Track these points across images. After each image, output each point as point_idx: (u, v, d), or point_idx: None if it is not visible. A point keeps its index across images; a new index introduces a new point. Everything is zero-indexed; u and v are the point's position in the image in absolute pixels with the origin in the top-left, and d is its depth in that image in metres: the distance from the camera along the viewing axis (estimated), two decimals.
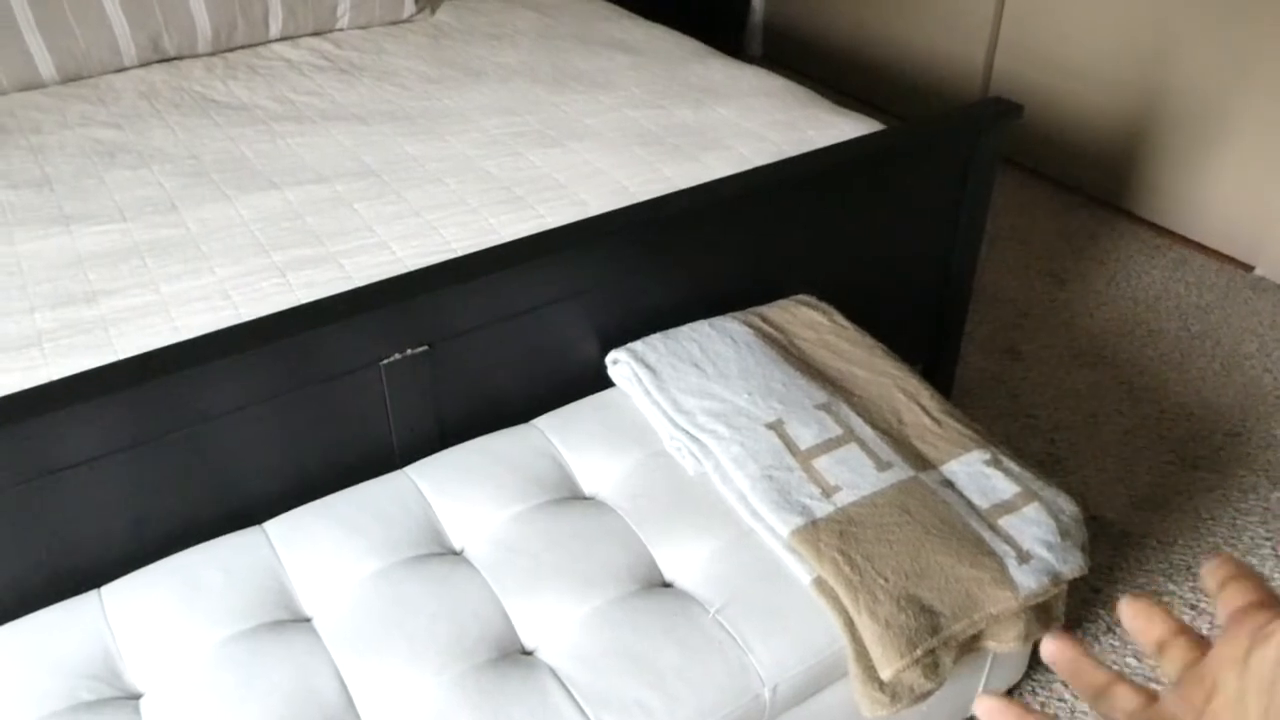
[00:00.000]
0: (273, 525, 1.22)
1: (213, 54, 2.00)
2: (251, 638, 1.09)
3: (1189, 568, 1.71)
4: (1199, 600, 1.65)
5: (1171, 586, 1.68)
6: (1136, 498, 1.85)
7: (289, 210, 1.48)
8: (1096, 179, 2.76)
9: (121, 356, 1.18)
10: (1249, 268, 2.49)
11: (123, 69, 1.92)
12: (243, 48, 2.03)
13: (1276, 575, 1.69)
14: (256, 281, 1.31)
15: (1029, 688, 1.52)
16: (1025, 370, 2.17)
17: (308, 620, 1.13)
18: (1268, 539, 1.76)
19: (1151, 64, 2.54)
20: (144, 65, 1.94)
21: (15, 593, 1.13)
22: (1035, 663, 1.51)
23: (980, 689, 1.35)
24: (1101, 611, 1.63)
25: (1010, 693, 1.50)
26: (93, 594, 1.13)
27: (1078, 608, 1.63)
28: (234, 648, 1.08)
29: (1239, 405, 2.06)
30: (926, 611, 1.13)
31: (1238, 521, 1.79)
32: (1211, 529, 1.78)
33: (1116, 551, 1.74)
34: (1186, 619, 1.62)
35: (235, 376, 1.19)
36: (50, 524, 1.13)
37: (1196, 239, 2.58)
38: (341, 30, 2.13)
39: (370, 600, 1.13)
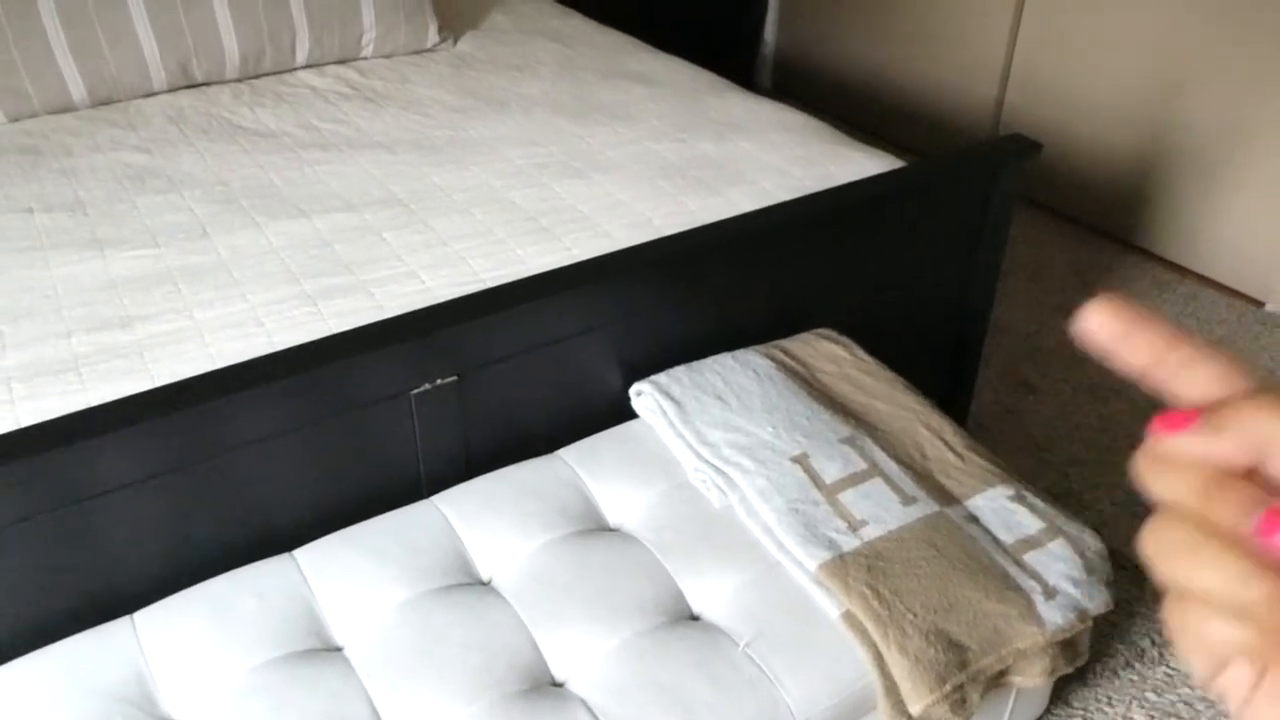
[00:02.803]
0: (303, 553, 1.22)
1: (240, 80, 2.02)
2: (284, 665, 1.10)
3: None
4: None
5: None
6: None
7: (318, 238, 1.49)
8: (1108, 214, 2.79)
9: (157, 382, 1.19)
10: (1260, 303, 2.51)
11: (152, 94, 1.95)
12: (269, 74, 2.05)
13: None
14: (288, 309, 1.33)
15: None
16: (1038, 404, 2.19)
17: (339, 649, 1.14)
18: None
19: (1163, 100, 2.57)
20: (172, 90, 1.96)
21: (50, 618, 1.13)
22: (1056, 697, 1.51)
23: None
24: (1120, 646, 1.64)
25: None
26: (126, 620, 1.14)
27: (1096, 642, 1.63)
28: (267, 675, 1.08)
29: None
30: (955, 646, 1.13)
31: None
32: None
33: (1134, 586, 1.74)
34: None
35: (269, 404, 1.20)
36: (84, 549, 1.14)
37: (1208, 274, 2.60)
38: (366, 59, 2.16)
39: (401, 629, 1.14)
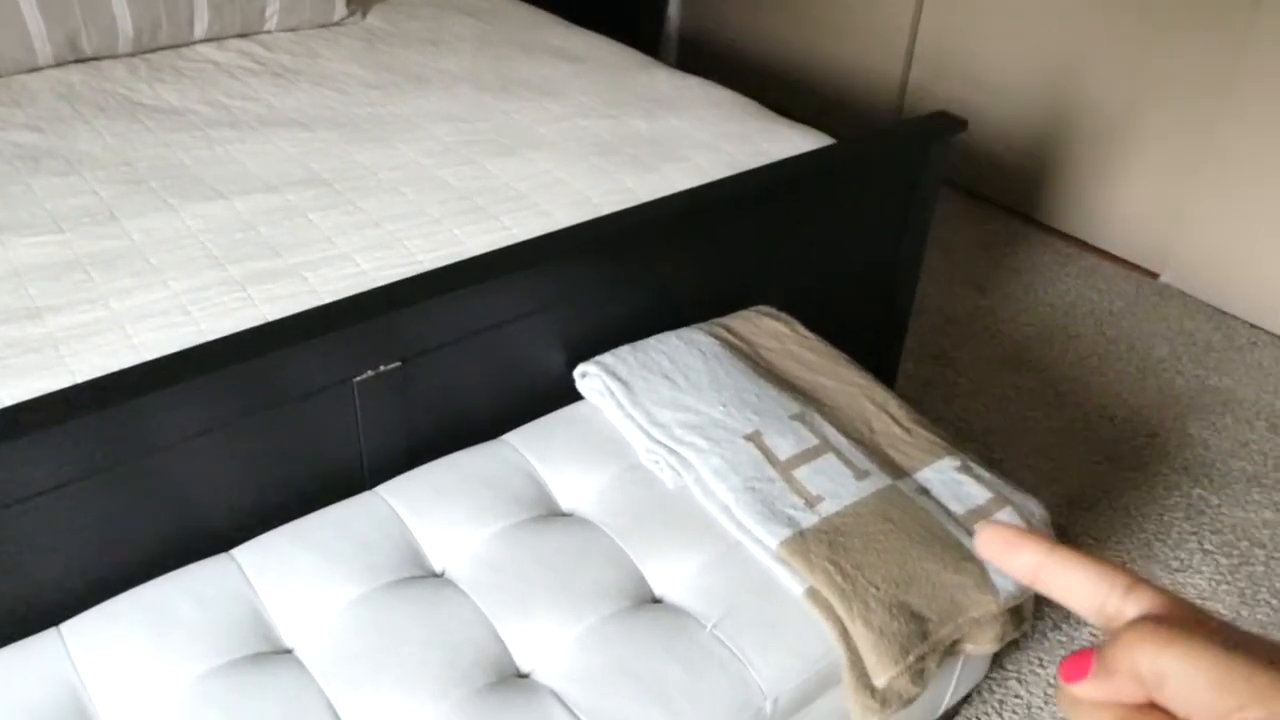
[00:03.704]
0: (243, 552, 1.16)
1: (134, 54, 1.90)
2: (231, 672, 1.04)
3: (1125, 563, 1.79)
4: None
5: None
6: (1070, 497, 1.92)
7: (239, 221, 1.41)
8: (1011, 191, 2.87)
9: (78, 377, 1.10)
10: (1155, 275, 2.62)
11: (37, 69, 1.81)
12: (166, 48, 1.93)
13: (1204, 569, 1.79)
14: (216, 296, 1.25)
15: (987, 686, 1.57)
16: (956, 376, 2.24)
17: (289, 651, 1.08)
18: (1193, 533, 1.85)
19: (1061, 79, 2.66)
20: (60, 65, 1.83)
21: None
22: (995, 663, 1.56)
23: (950, 689, 1.39)
24: (1049, 609, 1.69)
25: (971, 694, 1.55)
26: (52, 631, 1.05)
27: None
28: (213, 683, 1.02)
29: (1155, 406, 2.17)
30: (916, 618, 1.15)
31: (1164, 517, 1.89)
32: (1141, 525, 1.87)
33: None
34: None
35: (203, 398, 1.13)
36: (3, 559, 1.05)
37: (1105, 248, 2.71)
38: (270, 32, 2.05)
39: (354, 628, 1.09)
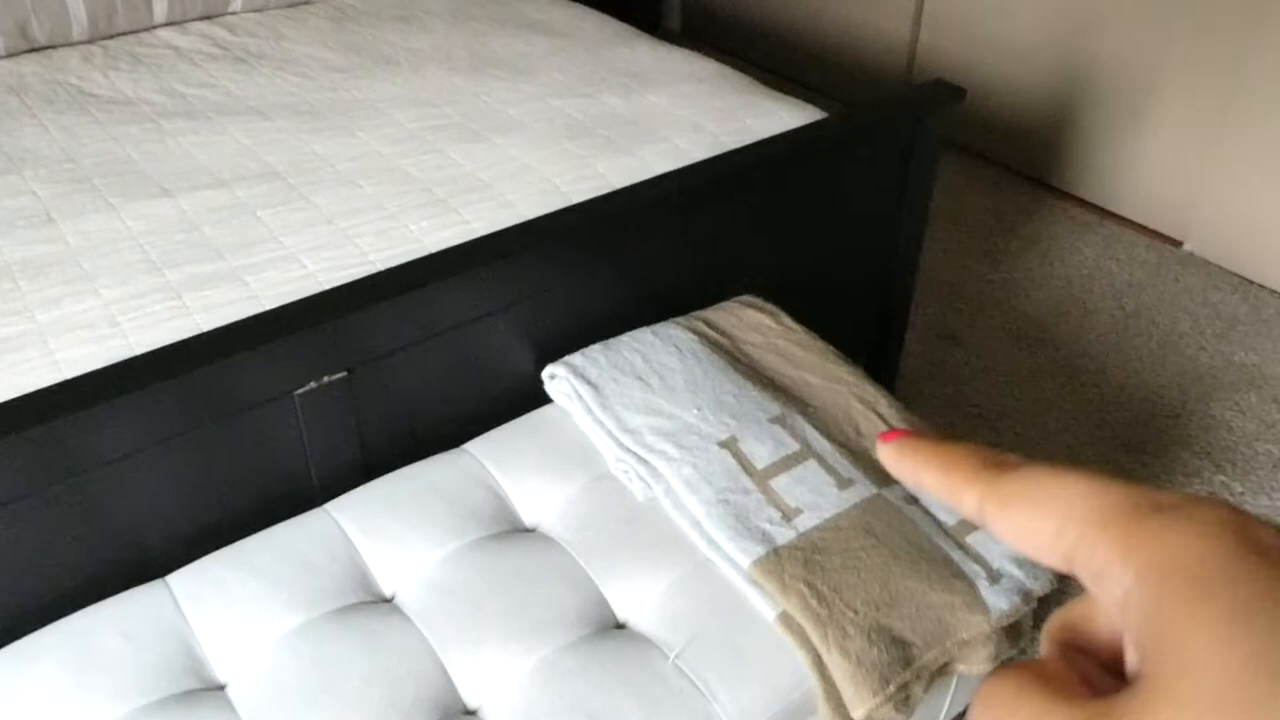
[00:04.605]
0: (177, 579, 1.09)
1: (90, 42, 1.82)
2: (158, 712, 0.97)
3: None
4: None
5: None
6: None
7: (183, 220, 1.33)
8: (1025, 155, 2.74)
9: None
10: (1178, 243, 2.49)
11: None
12: (124, 34, 1.85)
13: None
14: (148, 305, 1.17)
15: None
16: (966, 356, 2.13)
17: (221, 688, 1.02)
18: None
19: (1078, 37, 2.51)
20: (11, 56, 1.75)
21: None
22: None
23: (944, 710, 1.30)
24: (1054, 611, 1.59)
25: (966, 710, 1.46)
26: None
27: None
28: None
29: (1177, 385, 2.05)
30: (898, 643, 1.06)
31: None
32: None
33: None
34: None
35: (129, 417, 1.05)
36: None
37: (1125, 215, 2.57)
38: (235, 14, 1.96)
39: (292, 661, 1.02)
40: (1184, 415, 1.98)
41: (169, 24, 1.89)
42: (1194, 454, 1.89)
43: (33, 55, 1.76)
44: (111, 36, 1.83)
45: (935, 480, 0.30)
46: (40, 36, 1.76)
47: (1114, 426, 1.95)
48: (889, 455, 0.31)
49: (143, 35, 1.85)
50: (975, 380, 2.06)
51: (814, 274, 1.65)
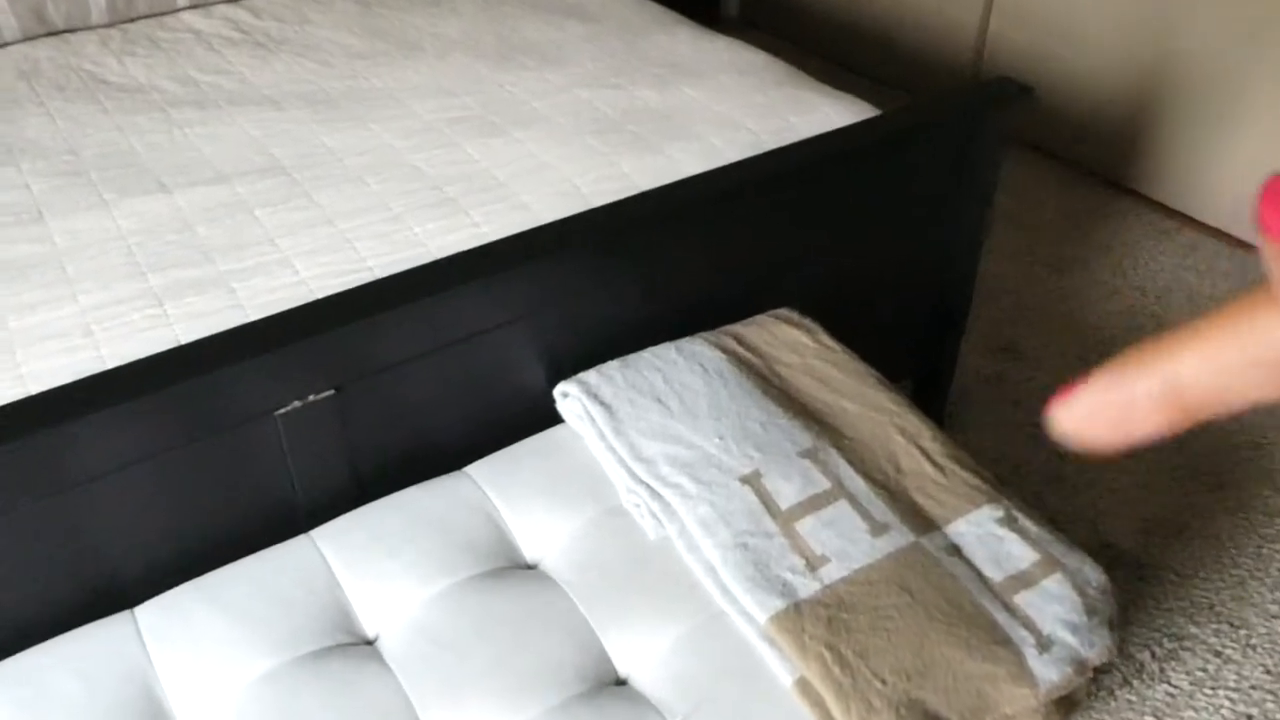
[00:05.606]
0: (144, 611, 1.01)
1: (110, 25, 1.75)
2: None
3: (1211, 606, 1.53)
4: (1224, 646, 1.47)
5: (1193, 629, 1.50)
6: (1151, 522, 1.67)
7: (177, 219, 1.25)
8: (1100, 155, 2.55)
9: None
10: None
11: (4, 44, 1.67)
12: (145, 17, 1.78)
13: None
14: (126, 313, 1.09)
15: None
16: (1028, 372, 1.98)
17: None
18: None
19: (1161, 30, 2.32)
20: (28, 40, 1.69)
21: None
22: None
23: None
24: (1115, 660, 1.45)
25: None
26: None
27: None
28: None
29: (1260, 413, 1.88)
30: (931, 719, 0.94)
31: (1264, 550, 1.62)
32: (1235, 559, 1.60)
33: (1131, 586, 1.56)
34: (1212, 669, 1.45)
35: (98, 435, 0.97)
36: None
37: (1207, 221, 2.38)
38: None
39: (258, 712, 0.93)
40: (1267, 446, 1.81)
41: (192, 6, 1.81)
42: (1276, 490, 1.72)
43: (49, 39, 1.70)
44: (132, 20, 1.77)
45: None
46: (57, 20, 1.70)
47: (1188, 456, 1.78)
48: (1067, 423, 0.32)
49: (165, 19, 1.78)
50: (1036, 399, 1.91)
51: (858, 286, 1.52)
